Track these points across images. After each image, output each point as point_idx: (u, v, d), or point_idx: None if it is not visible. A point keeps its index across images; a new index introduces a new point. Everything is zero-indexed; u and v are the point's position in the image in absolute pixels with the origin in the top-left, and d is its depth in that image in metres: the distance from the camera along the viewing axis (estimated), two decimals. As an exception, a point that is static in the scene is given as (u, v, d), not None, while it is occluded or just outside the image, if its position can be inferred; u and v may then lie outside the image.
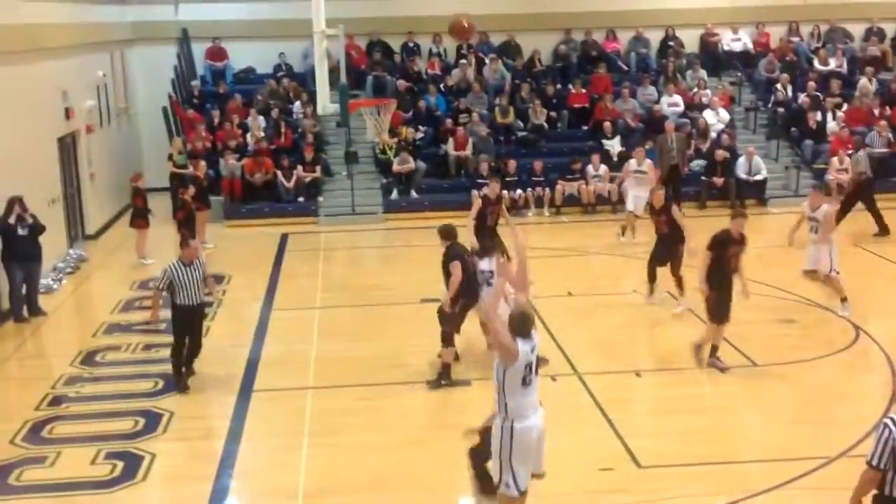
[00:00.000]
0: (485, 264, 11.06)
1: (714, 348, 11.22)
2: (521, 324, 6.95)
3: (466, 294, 10.79)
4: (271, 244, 18.19)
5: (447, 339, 10.86)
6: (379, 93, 22.07)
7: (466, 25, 11.29)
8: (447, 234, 11.00)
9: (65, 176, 17.50)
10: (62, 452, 9.43)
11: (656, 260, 13.62)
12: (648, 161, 19.79)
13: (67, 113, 17.46)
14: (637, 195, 17.32)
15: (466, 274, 10.72)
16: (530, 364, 6.98)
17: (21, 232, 13.46)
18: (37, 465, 9.19)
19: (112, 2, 21.92)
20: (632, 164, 17.94)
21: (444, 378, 10.79)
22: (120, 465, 9.11)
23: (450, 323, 10.85)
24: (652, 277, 13.68)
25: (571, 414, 10.02)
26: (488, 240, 12.38)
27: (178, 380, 10.90)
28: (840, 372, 11.34)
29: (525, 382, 6.95)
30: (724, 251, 11.07)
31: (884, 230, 17.74)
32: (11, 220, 13.38)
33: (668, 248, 13.41)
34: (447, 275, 10.72)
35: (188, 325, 10.93)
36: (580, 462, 8.94)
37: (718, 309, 10.99)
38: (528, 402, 7.00)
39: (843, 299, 12.94)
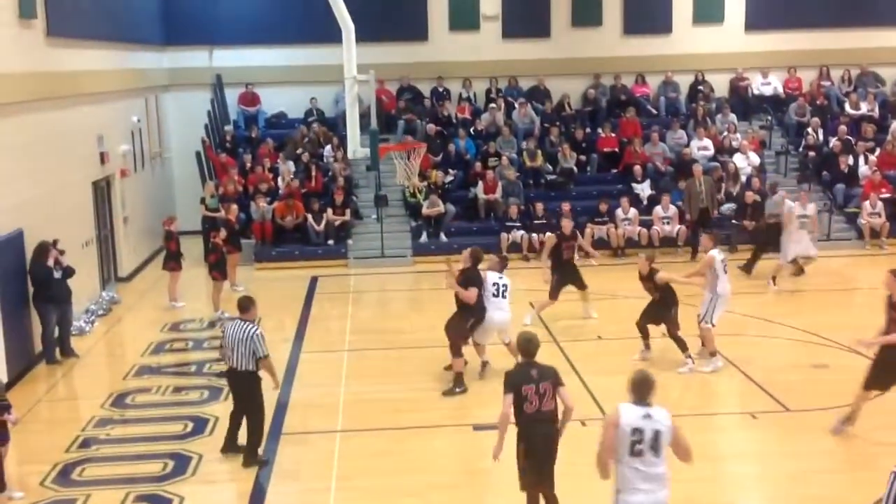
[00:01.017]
0: (494, 277, 12.39)
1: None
2: (637, 387, 7.12)
3: (478, 313, 12.05)
4: (301, 287, 18.29)
5: (456, 350, 11.98)
6: (408, 135, 22.29)
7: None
8: (476, 258, 12.30)
9: (99, 219, 17.73)
10: (91, 495, 9.48)
11: (647, 318, 13.22)
12: (673, 208, 19.87)
13: (102, 157, 17.74)
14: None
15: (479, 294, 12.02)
16: (640, 431, 6.65)
17: (56, 275, 13.64)
18: None
19: (149, 48, 22.35)
20: (658, 210, 17.94)
21: (458, 386, 11.91)
22: (149, 507, 9.14)
23: (458, 335, 12.03)
24: (644, 333, 13.29)
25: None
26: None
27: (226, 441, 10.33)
28: (875, 418, 11.14)
29: (633, 452, 6.64)
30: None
31: (747, 269, 18.05)
32: (50, 262, 13.54)
33: (659, 312, 13.07)
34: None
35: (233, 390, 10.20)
36: (611, 508, 8.81)
37: None
38: (638, 476, 6.68)
39: (712, 353, 12.73)
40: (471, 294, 11.95)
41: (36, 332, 13.78)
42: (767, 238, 18.27)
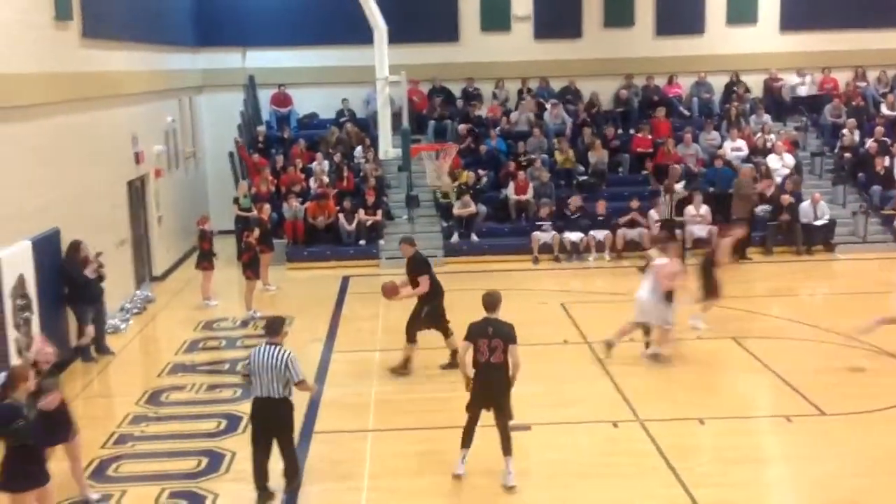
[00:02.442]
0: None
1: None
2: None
3: (433, 299, 12.70)
4: (333, 286, 18.35)
5: (412, 338, 12.76)
6: (440, 137, 22.33)
7: (391, 287, 12.92)
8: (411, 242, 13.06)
9: (133, 218, 17.90)
10: (127, 491, 9.57)
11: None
12: (705, 208, 19.79)
13: (137, 157, 17.92)
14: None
15: (433, 282, 12.63)
16: None
17: (91, 276, 13.78)
18: (103, 502, 9.30)
19: (182, 50, 22.54)
20: (689, 210, 17.82)
21: (402, 368, 12.78)
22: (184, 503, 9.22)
23: (415, 325, 12.70)
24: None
25: (633, 461, 9.90)
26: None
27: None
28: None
29: None
30: None
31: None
32: (88, 272, 13.66)
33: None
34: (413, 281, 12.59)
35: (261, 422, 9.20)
36: (643, 511, 8.81)
37: None
38: None
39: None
40: (425, 282, 12.55)
41: (72, 331, 13.94)
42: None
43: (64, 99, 14.22)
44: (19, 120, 12.58)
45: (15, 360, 11.47)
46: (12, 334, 11.70)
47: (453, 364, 12.26)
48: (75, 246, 13.69)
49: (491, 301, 9.41)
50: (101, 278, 14.03)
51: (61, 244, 13.67)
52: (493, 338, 9.16)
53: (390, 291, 12.80)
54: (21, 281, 12.08)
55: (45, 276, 12.87)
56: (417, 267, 12.81)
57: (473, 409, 9.44)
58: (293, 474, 9.28)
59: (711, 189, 20.93)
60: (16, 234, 12.23)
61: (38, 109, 13.21)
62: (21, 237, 12.38)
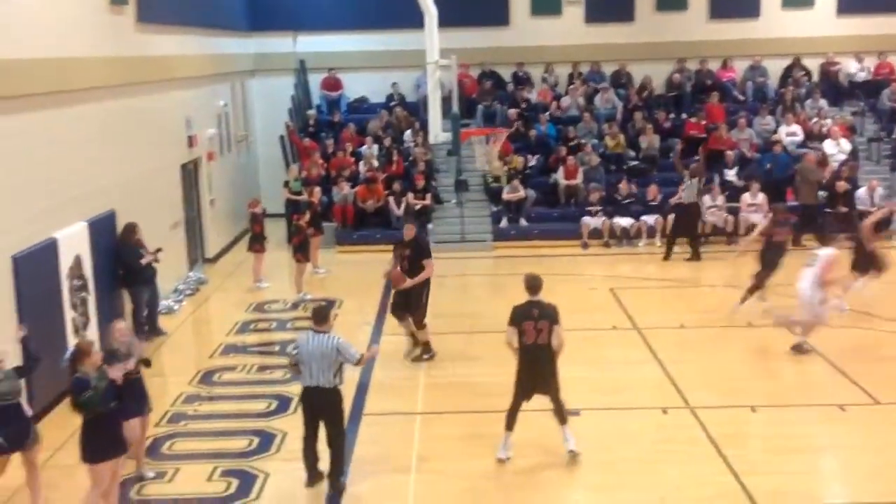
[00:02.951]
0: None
1: None
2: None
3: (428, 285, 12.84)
4: (382, 270, 18.36)
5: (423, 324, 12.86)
6: (489, 122, 22.29)
7: (398, 276, 12.77)
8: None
9: (187, 201, 18.13)
10: (181, 469, 9.75)
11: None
12: (761, 195, 19.53)
13: (191, 141, 18.13)
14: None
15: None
16: None
17: (144, 261, 13.98)
18: (157, 479, 9.50)
19: (235, 34, 22.73)
20: (746, 197, 17.61)
21: (426, 353, 12.81)
22: (235, 482, 9.35)
23: (424, 310, 12.83)
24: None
25: (684, 448, 9.85)
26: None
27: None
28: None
29: None
30: None
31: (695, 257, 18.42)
32: (145, 261, 13.86)
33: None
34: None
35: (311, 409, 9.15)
36: (693, 498, 8.77)
37: None
38: None
39: None
40: (430, 266, 12.74)
41: (127, 312, 14.16)
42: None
43: (119, 83, 14.42)
44: (76, 103, 12.79)
45: (72, 339, 11.71)
46: (70, 314, 11.93)
47: (424, 356, 12.75)
48: (130, 228, 13.88)
49: (534, 283, 9.53)
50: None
51: (116, 226, 13.89)
52: (539, 319, 9.28)
53: (398, 279, 12.74)
54: (78, 262, 12.31)
55: (101, 258, 13.10)
56: (424, 250, 12.96)
57: (520, 392, 9.50)
58: (338, 472, 9.10)
59: (768, 172, 20.61)
60: (73, 216, 12.46)
61: (95, 93, 13.41)
62: (78, 219, 12.60)
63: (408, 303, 12.85)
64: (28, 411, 8.94)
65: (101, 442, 8.09)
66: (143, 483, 9.33)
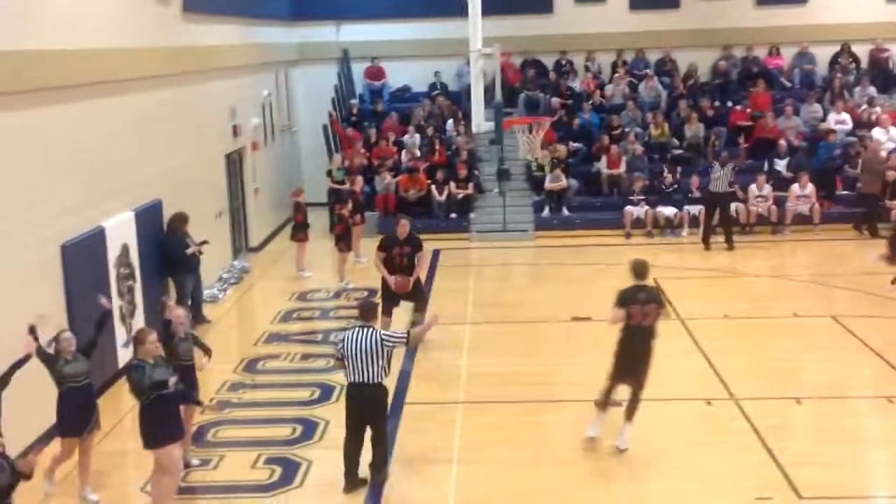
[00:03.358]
0: None
1: None
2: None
3: None
4: (391, 282, 18.40)
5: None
6: (532, 110, 22.18)
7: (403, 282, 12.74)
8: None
9: (231, 190, 18.29)
10: (225, 456, 9.86)
11: None
12: (811, 186, 19.26)
13: (235, 130, 18.28)
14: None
15: None
16: None
17: (189, 251, 14.12)
18: (202, 467, 9.62)
19: (278, 24, 22.86)
20: (795, 188, 17.35)
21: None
22: (279, 470, 9.45)
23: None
24: None
25: (728, 439, 9.79)
26: None
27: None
28: None
29: None
30: None
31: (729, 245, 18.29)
32: (190, 251, 13.98)
33: None
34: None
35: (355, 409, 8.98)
36: (737, 489, 8.71)
37: None
38: None
39: None
40: (425, 259, 13.52)
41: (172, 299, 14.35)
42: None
43: (165, 73, 14.56)
44: (123, 93, 12.94)
45: (119, 326, 11.90)
46: (117, 301, 12.11)
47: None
48: (179, 217, 14.02)
49: (641, 269, 9.61)
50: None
51: (163, 215, 14.07)
52: (647, 303, 9.37)
53: (404, 285, 12.80)
54: (125, 250, 12.48)
55: (148, 247, 13.26)
56: (418, 244, 13.01)
57: (616, 374, 9.61)
58: (381, 464, 9.07)
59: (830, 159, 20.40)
60: (120, 205, 12.62)
61: (141, 83, 13.56)
62: (125, 208, 12.78)
63: (414, 298, 13.03)
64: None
65: (160, 425, 8.17)
66: (188, 470, 9.45)
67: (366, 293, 15.45)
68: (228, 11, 18.25)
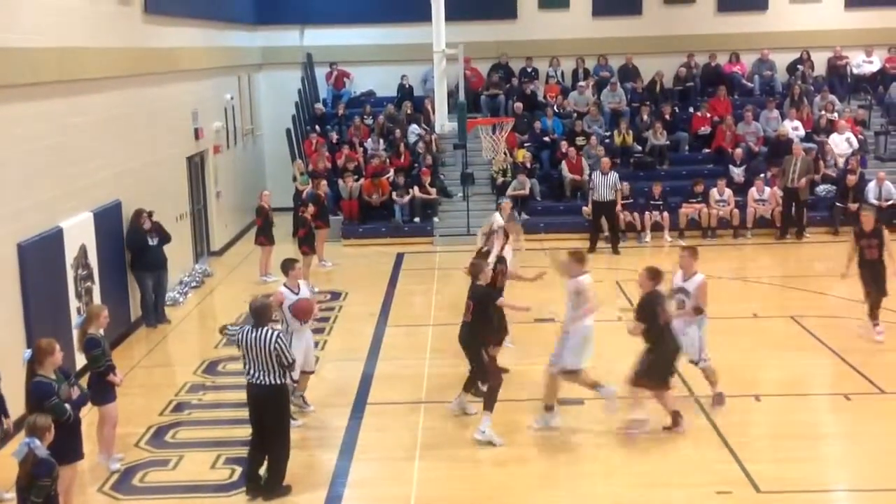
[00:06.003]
0: None
1: None
2: None
3: None
4: (387, 263, 18.44)
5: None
6: (494, 113, 22.25)
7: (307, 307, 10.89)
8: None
9: (192, 194, 18.13)
10: (184, 456, 9.78)
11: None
12: (768, 190, 19.49)
13: (197, 133, 18.14)
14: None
15: None
16: None
17: (152, 242, 14.07)
18: (160, 467, 9.54)
19: (242, 27, 22.75)
20: (752, 192, 17.53)
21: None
22: (238, 470, 9.36)
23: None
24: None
25: (688, 435, 9.83)
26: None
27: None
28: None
29: None
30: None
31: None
32: (146, 225, 13.97)
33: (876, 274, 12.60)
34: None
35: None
36: (697, 484, 8.76)
37: None
38: None
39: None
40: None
41: (133, 300, 14.22)
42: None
43: (126, 74, 14.44)
44: (83, 93, 12.81)
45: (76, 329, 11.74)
46: (74, 304, 11.96)
47: None
48: (139, 213, 14.03)
49: (654, 276, 10.01)
50: (162, 240, 14.27)
51: (122, 217, 13.92)
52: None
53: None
54: (83, 251, 12.34)
55: (106, 248, 13.13)
56: None
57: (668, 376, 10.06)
58: (276, 481, 8.70)
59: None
60: (79, 206, 12.48)
61: (101, 84, 13.43)
62: (84, 209, 12.63)
63: None
64: None
65: (67, 445, 7.72)
66: (146, 471, 9.33)
67: (328, 296, 15.42)
68: (191, 13, 18.14)
